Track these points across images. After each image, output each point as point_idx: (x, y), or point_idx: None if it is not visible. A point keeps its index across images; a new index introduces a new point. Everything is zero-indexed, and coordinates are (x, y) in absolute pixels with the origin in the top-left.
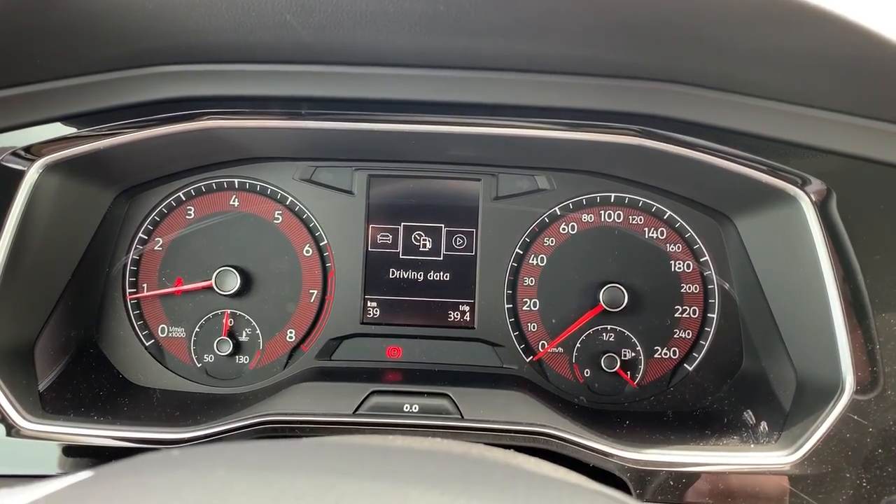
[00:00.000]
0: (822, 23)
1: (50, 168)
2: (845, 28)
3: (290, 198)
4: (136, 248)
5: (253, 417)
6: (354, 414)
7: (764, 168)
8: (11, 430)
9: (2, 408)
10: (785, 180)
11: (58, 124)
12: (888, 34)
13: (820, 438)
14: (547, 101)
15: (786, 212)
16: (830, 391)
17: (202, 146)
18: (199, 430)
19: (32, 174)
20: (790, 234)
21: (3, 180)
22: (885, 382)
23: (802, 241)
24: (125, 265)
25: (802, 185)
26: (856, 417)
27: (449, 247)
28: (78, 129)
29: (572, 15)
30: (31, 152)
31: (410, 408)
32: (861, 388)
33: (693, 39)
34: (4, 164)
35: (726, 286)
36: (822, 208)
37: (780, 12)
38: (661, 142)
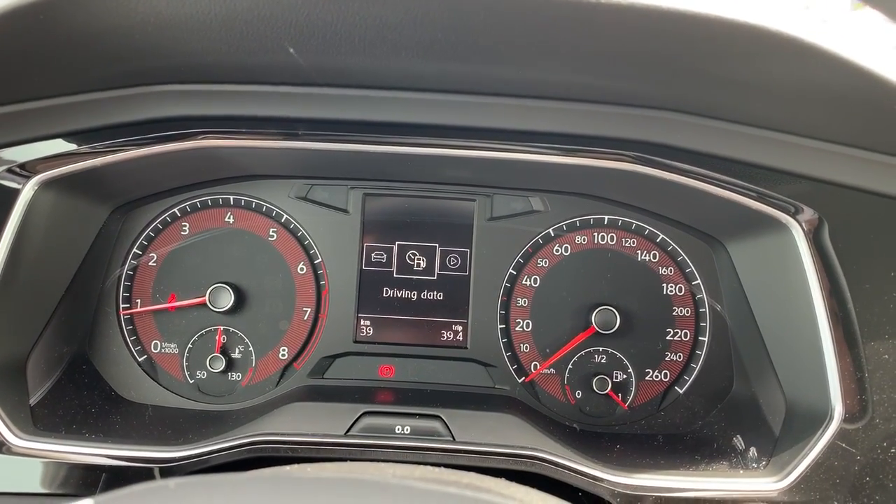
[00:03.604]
0: (816, 58)
1: (45, 185)
2: (837, 64)
3: (286, 215)
4: (130, 263)
5: (244, 437)
6: (346, 435)
7: (757, 196)
8: (3, 447)
9: None
10: (777, 208)
11: (55, 141)
12: (879, 70)
13: (808, 466)
14: (543, 127)
15: (778, 239)
16: (819, 418)
17: (199, 164)
18: (190, 448)
19: (28, 191)
20: (781, 261)
21: None
22: (873, 411)
23: (793, 269)
24: (119, 281)
25: (795, 213)
26: (844, 445)
27: (443, 266)
28: (75, 146)
29: (568, 45)
30: (27, 169)
31: (402, 429)
32: (850, 416)
33: (689, 71)
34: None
35: (718, 307)
36: (813, 237)
37: (774, 47)
38: (656, 168)
